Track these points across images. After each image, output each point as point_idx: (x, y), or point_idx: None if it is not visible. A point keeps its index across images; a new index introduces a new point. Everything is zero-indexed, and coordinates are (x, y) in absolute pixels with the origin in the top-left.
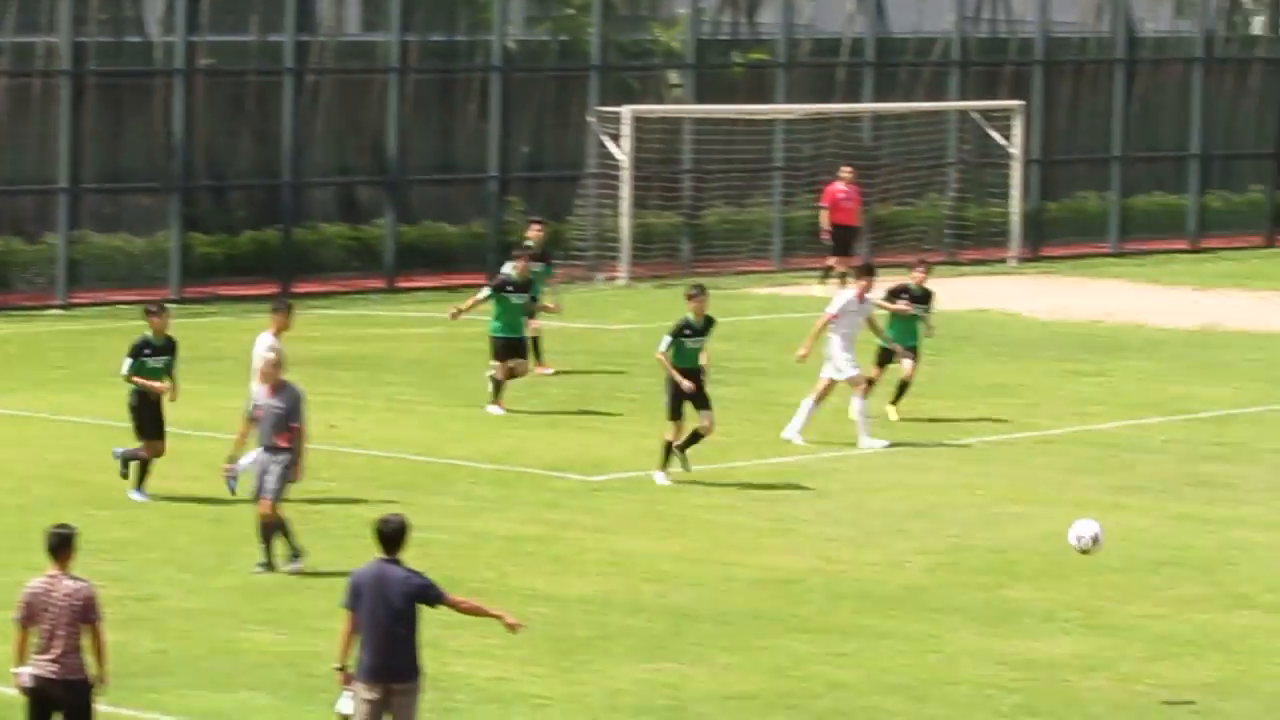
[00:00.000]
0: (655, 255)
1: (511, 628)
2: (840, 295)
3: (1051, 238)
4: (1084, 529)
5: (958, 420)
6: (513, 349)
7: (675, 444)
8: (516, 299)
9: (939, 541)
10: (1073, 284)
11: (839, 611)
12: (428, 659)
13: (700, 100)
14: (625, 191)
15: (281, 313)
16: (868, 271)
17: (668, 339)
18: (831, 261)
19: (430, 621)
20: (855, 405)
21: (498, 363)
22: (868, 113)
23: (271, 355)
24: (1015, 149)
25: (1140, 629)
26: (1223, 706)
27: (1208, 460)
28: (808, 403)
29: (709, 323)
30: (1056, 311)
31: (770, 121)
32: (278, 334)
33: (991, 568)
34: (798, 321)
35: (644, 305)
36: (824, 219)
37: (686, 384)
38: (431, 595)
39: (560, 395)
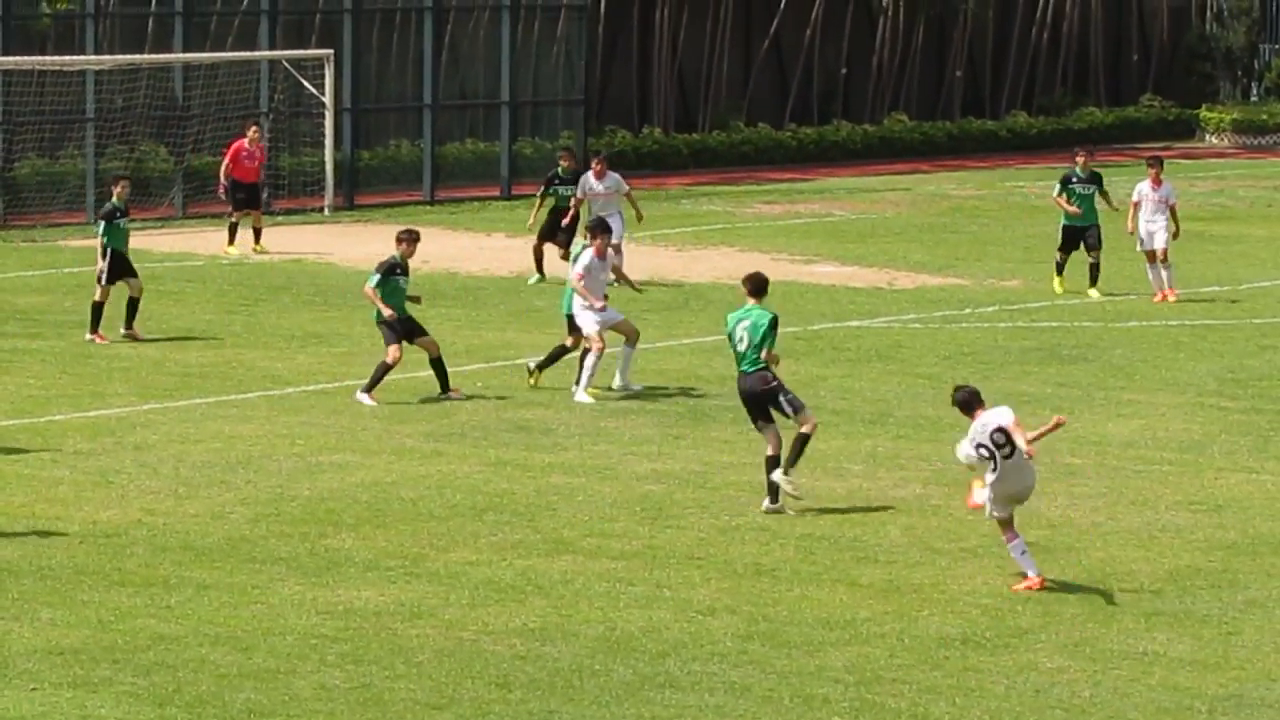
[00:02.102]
0: None
1: None
2: (584, 255)
3: (366, 186)
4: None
5: (276, 371)
6: None
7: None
8: None
9: (261, 492)
10: (387, 232)
11: (162, 564)
12: None
13: (8, 52)
14: None
15: None
16: (604, 229)
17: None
18: (235, 216)
19: None
20: (590, 361)
21: None
22: (178, 63)
23: None
24: (327, 98)
25: (463, 575)
26: (546, 651)
27: (525, 406)
28: (591, 359)
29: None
30: (371, 260)
31: (81, 73)
32: None
33: (314, 517)
34: None
35: None
36: (224, 173)
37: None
38: None
39: None
